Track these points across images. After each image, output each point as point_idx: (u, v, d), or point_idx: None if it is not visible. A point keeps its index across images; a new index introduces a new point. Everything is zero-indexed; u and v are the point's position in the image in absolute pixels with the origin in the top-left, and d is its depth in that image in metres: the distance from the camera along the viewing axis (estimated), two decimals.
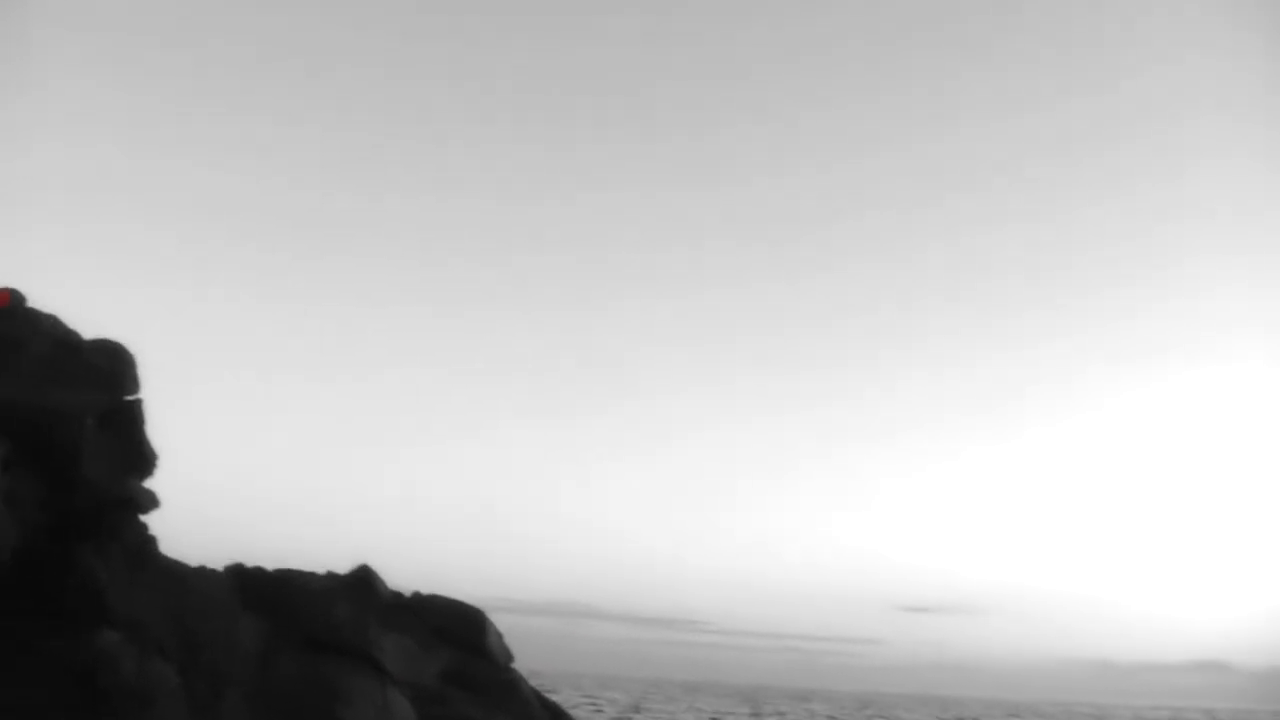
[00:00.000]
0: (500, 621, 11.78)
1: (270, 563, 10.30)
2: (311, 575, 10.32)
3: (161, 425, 8.69)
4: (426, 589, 11.47)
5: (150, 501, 8.48)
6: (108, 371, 8.34)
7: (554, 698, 13.05)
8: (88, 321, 8.40)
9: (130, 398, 8.43)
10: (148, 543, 8.53)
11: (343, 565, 10.76)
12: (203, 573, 9.44)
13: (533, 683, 12.19)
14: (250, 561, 10.28)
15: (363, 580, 10.68)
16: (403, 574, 11.11)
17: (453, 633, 10.94)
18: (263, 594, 9.68)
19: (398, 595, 11.10)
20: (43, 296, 8.53)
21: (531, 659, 11.76)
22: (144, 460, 8.44)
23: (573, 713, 16.18)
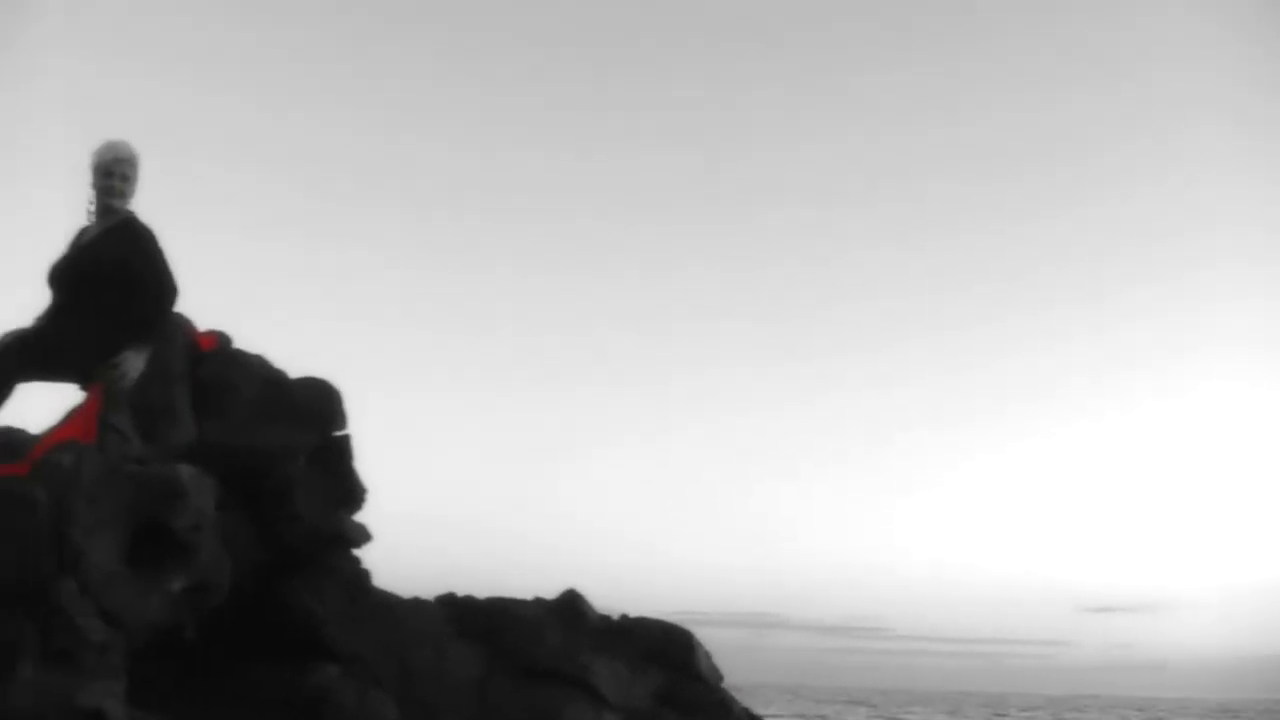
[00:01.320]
0: None
1: (474, 589, 10.13)
2: (521, 602, 10.10)
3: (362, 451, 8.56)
4: (610, 603, 11.17)
5: (362, 535, 8.35)
6: (316, 409, 8.22)
7: None
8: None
9: (338, 434, 8.35)
10: (361, 576, 8.40)
11: (534, 584, 10.48)
12: (415, 604, 9.30)
13: None
14: (458, 589, 10.15)
15: (570, 605, 10.42)
16: (591, 592, 10.84)
17: (662, 654, 10.59)
18: (474, 623, 9.49)
19: (605, 618, 10.84)
20: (249, 337, 8.51)
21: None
22: (354, 495, 8.31)
23: None
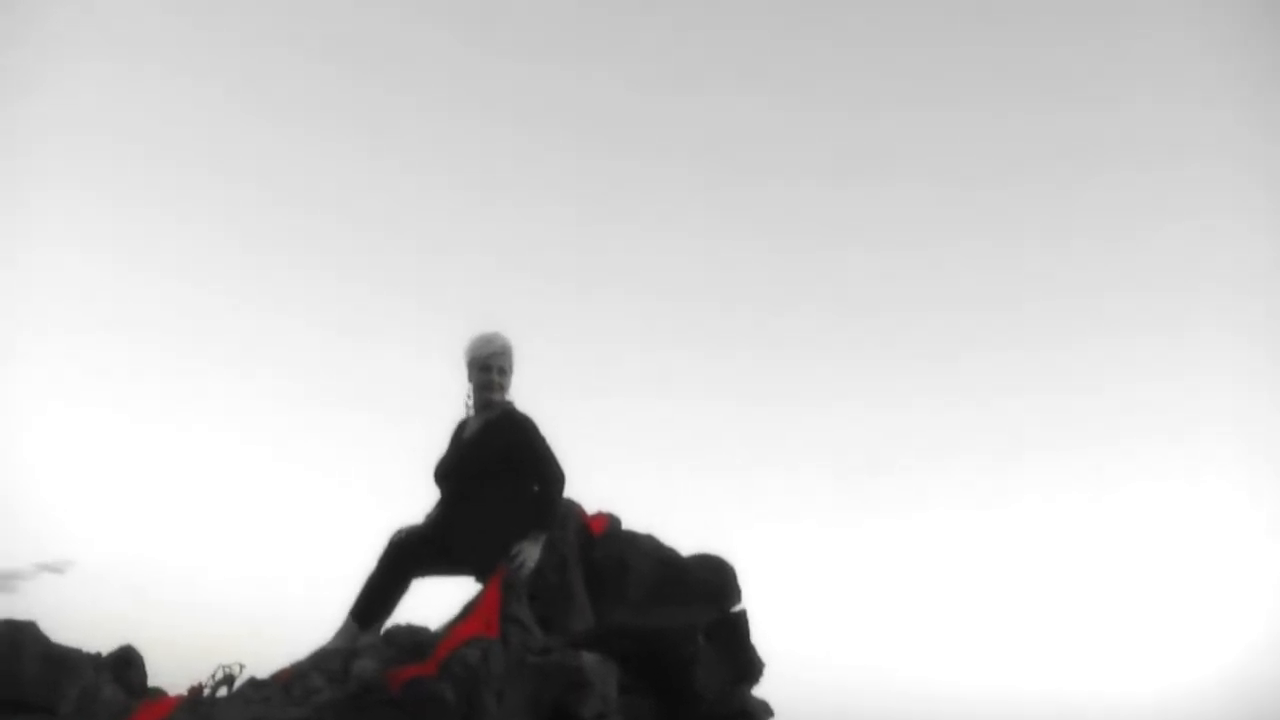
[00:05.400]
0: None
1: None
2: None
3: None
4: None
5: (764, 711, 7.57)
6: (712, 586, 7.63)
7: None
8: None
9: (735, 609, 7.68)
10: None
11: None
12: None
13: None
14: None
15: None
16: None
17: None
18: None
19: None
20: (637, 518, 8.03)
21: None
22: (752, 669, 7.57)
23: None
